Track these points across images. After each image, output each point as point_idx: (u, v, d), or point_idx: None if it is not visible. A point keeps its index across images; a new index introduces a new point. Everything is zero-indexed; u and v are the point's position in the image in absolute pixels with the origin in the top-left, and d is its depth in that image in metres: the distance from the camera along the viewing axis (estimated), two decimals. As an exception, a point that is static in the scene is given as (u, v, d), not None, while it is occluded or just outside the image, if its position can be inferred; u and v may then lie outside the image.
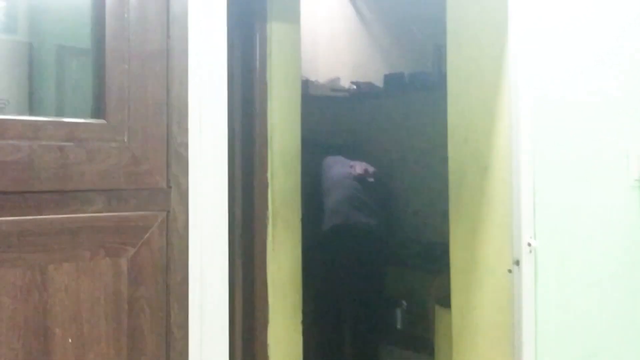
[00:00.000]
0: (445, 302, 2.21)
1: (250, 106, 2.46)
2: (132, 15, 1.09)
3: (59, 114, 1.30)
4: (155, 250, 1.12)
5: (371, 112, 3.86)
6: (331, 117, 3.86)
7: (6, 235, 0.98)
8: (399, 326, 3.54)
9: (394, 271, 3.57)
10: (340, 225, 3.35)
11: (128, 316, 1.11)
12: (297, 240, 2.60)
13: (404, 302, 3.52)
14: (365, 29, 3.98)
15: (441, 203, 2.48)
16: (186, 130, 1.14)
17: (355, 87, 3.76)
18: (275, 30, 2.43)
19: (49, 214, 1.02)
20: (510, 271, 1.78)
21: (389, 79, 3.60)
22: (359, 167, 3.49)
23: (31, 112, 1.28)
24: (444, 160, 1.98)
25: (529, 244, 1.75)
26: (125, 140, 1.09)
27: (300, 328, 2.58)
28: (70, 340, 1.06)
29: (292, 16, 2.52)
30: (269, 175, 2.47)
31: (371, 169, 3.51)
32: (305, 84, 3.73)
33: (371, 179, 3.49)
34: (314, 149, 3.61)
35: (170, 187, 1.13)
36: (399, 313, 3.54)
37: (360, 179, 3.46)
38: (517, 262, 1.75)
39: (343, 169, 3.52)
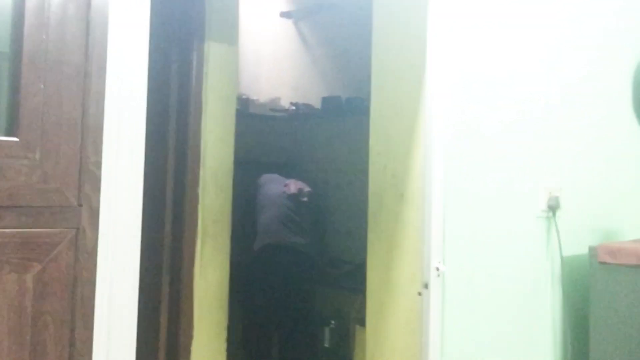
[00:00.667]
0: (364, 322, 2.29)
1: (184, 123, 2.49)
2: (50, 36, 1.13)
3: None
4: (62, 266, 1.14)
5: (309, 133, 3.95)
6: (270, 136, 3.93)
7: None
8: (327, 345, 3.60)
9: (325, 291, 3.64)
10: (271, 244, 3.40)
11: (32, 331, 1.13)
12: (226, 257, 2.63)
13: (333, 322, 3.58)
14: (308, 52, 4.08)
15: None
16: (100, 150, 1.18)
17: (294, 107, 3.85)
18: (213, 50, 2.49)
19: (-47, 228, 1.03)
20: (420, 294, 1.87)
21: (326, 101, 3.70)
22: (293, 186, 3.55)
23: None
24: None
25: (437, 269, 1.85)
26: (37, 158, 1.11)
27: (224, 345, 2.60)
28: (-30, 353, 1.07)
29: (230, 37, 2.58)
30: (199, 191, 2.50)
31: (306, 189, 3.58)
32: (246, 103, 3.79)
33: (304, 198, 3.55)
34: (251, 166, 3.67)
35: (81, 205, 1.16)
36: (327, 332, 3.60)
37: (294, 198, 3.52)
38: (426, 286, 1.85)
39: (278, 187, 3.57)
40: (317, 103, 3.81)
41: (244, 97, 3.82)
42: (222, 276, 2.61)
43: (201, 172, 2.50)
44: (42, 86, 1.12)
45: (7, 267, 1.09)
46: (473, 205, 2.01)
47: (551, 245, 2.21)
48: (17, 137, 1.10)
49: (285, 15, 4.03)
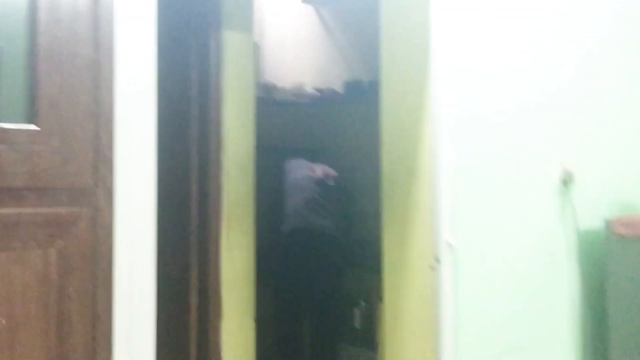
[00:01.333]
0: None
1: (205, 111, 2.59)
2: (63, 32, 1.23)
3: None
4: (82, 242, 1.25)
5: (333, 117, 4.01)
6: (295, 121, 4.00)
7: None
8: (357, 325, 3.66)
9: (354, 272, 3.70)
10: (299, 227, 3.48)
11: (58, 302, 1.24)
12: (251, 239, 2.72)
13: (363, 302, 3.65)
14: (330, 38, 4.13)
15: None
16: (112, 135, 1.27)
17: (318, 93, 3.91)
18: (230, 38, 2.56)
19: (-17, 209, 1.14)
20: (432, 268, 1.93)
21: (349, 85, 3.75)
22: (319, 170, 3.62)
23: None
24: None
25: (449, 243, 1.90)
26: (56, 144, 1.22)
27: (253, 324, 2.70)
28: (4, 322, 1.19)
29: (246, 25, 2.66)
30: (223, 177, 2.60)
31: (331, 172, 3.64)
32: (271, 89, 3.88)
33: (331, 182, 3.62)
34: (277, 151, 3.76)
35: (97, 186, 1.26)
36: (357, 312, 3.66)
37: (320, 182, 3.59)
38: (438, 260, 1.90)
39: (303, 171, 3.65)
40: (339, 87, 3.86)
41: (268, 84, 3.91)
42: (249, 257, 2.69)
43: (224, 158, 2.59)
44: (58, 77, 1.22)
45: (33, 242, 1.20)
46: (485, 181, 2.04)
47: (566, 220, 2.22)
48: (37, 125, 1.21)
49: (307, 1, 4.08)
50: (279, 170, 3.75)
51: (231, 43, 2.55)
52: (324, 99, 3.90)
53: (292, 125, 3.98)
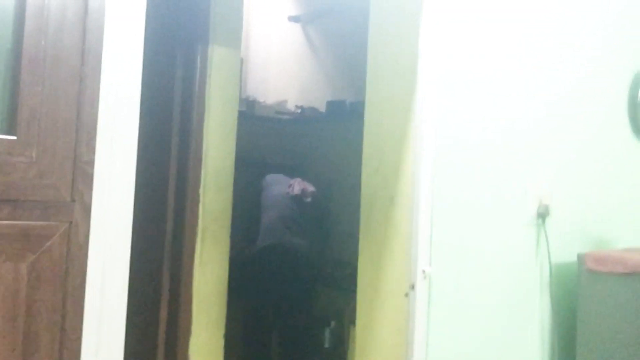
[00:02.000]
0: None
1: (187, 124, 2.57)
2: (49, 41, 1.20)
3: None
4: (55, 257, 1.22)
5: (313, 136, 4.02)
6: (276, 138, 4.00)
7: None
8: (326, 345, 3.65)
9: (326, 292, 3.69)
10: (272, 244, 3.46)
11: (25, 316, 1.20)
12: (225, 255, 2.69)
13: (333, 322, 3.64)
14: (315, 56, 4.15)
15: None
16: (94, 149, 1.25)
17: (299, 110, 3.92)
18: (217, 54, 2.56)
19: (-47, 219, 1.11)
20: (406, 295, 1.93)
21: (331, 105, 3.77)
22: (297, 187, 3.61)
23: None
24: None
25: (424, 271, 1.90)
26: (34, 155, 1.19)
27: (222, 341, 2.67)
28: (-33, 337, 1.15)
29: (234, 41, 2.66)
30: (201, 191, 2.58)
31: (310, 189, 3.64)
32: (253, 105, 3.87)
33: (308, 199, 3.62)
34: (257, 166, 3.74)
35: (74, 201, 1.24)
36: (327, 333, 3.65)
37: (297, 198, 3.59)
38: (413, 287, 1.91)
39: (282, 187, 3.63)
40: (322, 106, 3.88)
41: (251, 99, 3.90)
42: (221, 274, 2.67)
43: (202, 172, 2.57)
44: (40, 88, 1.20)
45: (4, 256, 1.17)
46: (462, 210, 2.05)
47: (540, 252, 2.25)
48: (15, 135, 1.18)
49: (293, 19, 4.10)
50: (257, 185, 3.73)
51: (217, 57, 2.54)
52: (305, 117, 3.91)
53: (272, 140, 3.97)
